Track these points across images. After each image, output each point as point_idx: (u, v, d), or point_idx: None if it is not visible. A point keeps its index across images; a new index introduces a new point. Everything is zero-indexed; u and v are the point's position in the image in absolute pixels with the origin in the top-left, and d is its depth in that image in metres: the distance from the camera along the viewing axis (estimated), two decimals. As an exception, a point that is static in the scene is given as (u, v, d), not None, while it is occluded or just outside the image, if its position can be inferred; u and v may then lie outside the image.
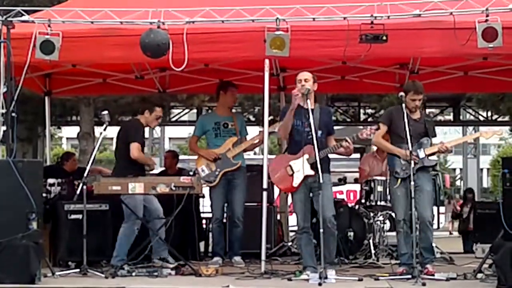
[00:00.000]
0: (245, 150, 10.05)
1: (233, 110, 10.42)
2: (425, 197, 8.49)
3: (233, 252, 9.83)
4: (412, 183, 8.18)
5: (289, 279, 8.15)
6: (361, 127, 23.13)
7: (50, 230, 9.58)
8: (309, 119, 8.16)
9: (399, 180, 8.52)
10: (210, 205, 9.91)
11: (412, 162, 8.26)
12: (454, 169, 49.98)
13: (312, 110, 8.33)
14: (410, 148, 8.27)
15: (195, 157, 10.15)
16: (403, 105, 8.43)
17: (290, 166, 8.39)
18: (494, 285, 7.61)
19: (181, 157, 13.85)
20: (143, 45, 8.67)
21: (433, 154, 8.65)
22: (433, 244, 8.84)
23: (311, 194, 8.40)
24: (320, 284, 7.63)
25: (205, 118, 10.43)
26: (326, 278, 7.76)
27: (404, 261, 8.46)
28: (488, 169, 48.37)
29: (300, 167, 8.31)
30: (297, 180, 8.35)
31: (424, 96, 8.67)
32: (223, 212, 9.89)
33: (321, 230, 7.93)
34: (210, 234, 10.77)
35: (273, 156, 9.67)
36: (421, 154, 8.53)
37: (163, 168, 12.83)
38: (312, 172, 8.24)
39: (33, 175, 8.25)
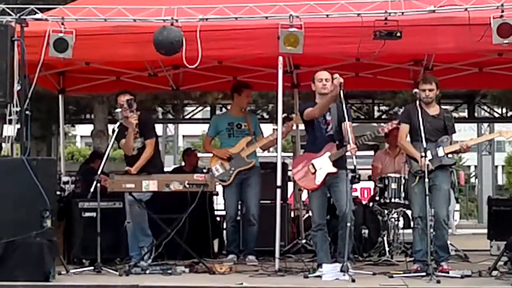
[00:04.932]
0: (264, 149, 10.00)
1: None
2: (442, 196, 8.45)
3: (247, 251, 9.82)
4: (426, 180, 8.16)
5: (306, 276, 8.13)
6: (375, 124, 23.04)
7: (64, 228, 9.61)
8: (331, 116, 8.34)
9: (417, 178, 8.45)
10: (224, 203, 9.92)
11: (428, 164, 8.21)
12: (469, 166, 49.78)
13: (330, 108, 8.39)
14: (425, 145, 8.21)
15: (209, 154, 10.16)
16: (417, 102, 8.40)
17: (312, 164, 8.39)
18: (509, 283, 7.57)
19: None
20: (157, 42, 8.67)
21: (452, 152, 8.60)
22: (448, 242, 8.80)
23: (328, 194, 8.46)
24: (354, 281, 7.71)
25: (219, 118, 10.46)
26: (347, 271, 7.82)
27: (419, 258, 8.42)
28: (503, 166, 48.15)
29: (322, 165, 8.31)
30: (319, 178, 8.37)
31: (439, 92, 8.60)
32: (237, 210, 9.89)
33: (347, 224, 8.10)
34: (224, 232, 10.77)
35: (286, 154, 9.66)
36: (440, 152, 8.47)
37: (175, 166, 12.82)
38: (334, 170, 8.32)
39: (47, 173, 8.28)
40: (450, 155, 8.57)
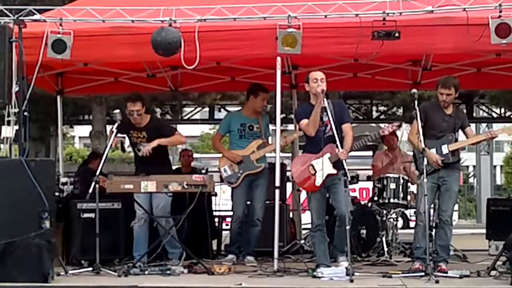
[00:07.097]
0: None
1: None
2: (450, 196, 8.53)
3: (246, 252, 9.80)
4: (425, 180, 8.16)
5: (314, 277, 8.15)
6: (374, 124, 23.05)
7: (63, 229, 9.60)
8: (328, 116, 8.23)
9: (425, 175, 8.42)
10: (232, 204, 9.86)
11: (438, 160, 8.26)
12: (467, 167, 49.82)
13: (325, 107, 8.37)
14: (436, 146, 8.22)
15: (208, 155, 10.15)
16: (415, 102, 8.40)
17: (312, 165, 8.39)
18: (507, 282, 7.57)
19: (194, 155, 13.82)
20: (155, 43, 8.67)
21: (456, 150, 8.60)
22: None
23: (327, 194, 8.49)
24: (352, 282, 7.74)
25: (232, 117, 10.22)
26: (353, 274, 7.83)
27: (419, 255, 8.38)
28: (501, 166, 48.19)
29: (323, 166, 8.32)
30: (319, 179, 8.36)
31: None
32: (244, 211, 9.83)
33: (346, 227, 8.06)
34: (223, 232, 10.75)
35: (285, 155, 9.63)
36: (445, 150, 8.49)
37: (176, 167, 12.81)
38: (334, 171, 8.32)
39: (45, 174, 8.28)
40: (456, 153, 8.59)
